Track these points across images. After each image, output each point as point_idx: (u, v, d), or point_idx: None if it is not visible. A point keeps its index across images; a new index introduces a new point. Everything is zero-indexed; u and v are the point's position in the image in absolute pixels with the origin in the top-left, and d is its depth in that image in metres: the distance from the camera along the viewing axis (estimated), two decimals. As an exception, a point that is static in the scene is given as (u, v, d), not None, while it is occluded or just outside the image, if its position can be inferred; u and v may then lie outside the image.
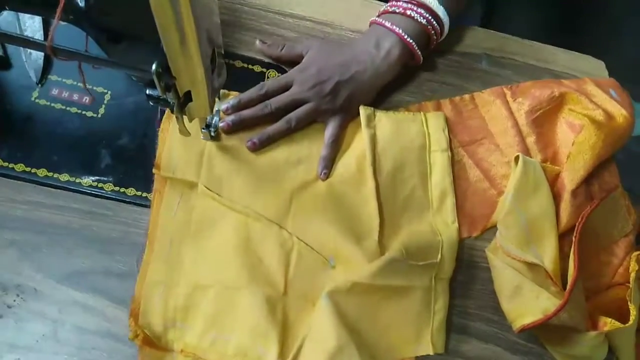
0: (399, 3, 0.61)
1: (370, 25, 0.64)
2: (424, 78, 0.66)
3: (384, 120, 0.60)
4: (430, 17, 0.61)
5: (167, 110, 0.57)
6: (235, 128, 0.57)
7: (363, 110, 0.59)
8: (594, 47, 0.75)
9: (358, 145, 0.59)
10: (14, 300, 0.49)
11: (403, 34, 0.60)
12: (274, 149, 0.57)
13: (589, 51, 0.73)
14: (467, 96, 0.65)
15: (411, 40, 0.60)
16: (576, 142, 0.59)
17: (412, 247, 0.52)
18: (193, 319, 0.49)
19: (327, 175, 0.57)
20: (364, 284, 0.50)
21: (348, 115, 0.60)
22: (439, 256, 0.53)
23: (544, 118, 0.62)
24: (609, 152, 0.60)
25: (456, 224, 0.57)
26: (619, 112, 0.60)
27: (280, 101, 0.58)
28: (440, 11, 0.61)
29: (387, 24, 0.60)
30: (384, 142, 0.58)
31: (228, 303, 0.49)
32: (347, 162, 0.58)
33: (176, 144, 0.55)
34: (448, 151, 0.60)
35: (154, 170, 0.54)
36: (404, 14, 0.60)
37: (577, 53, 0.73)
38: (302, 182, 0.56)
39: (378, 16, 0.63)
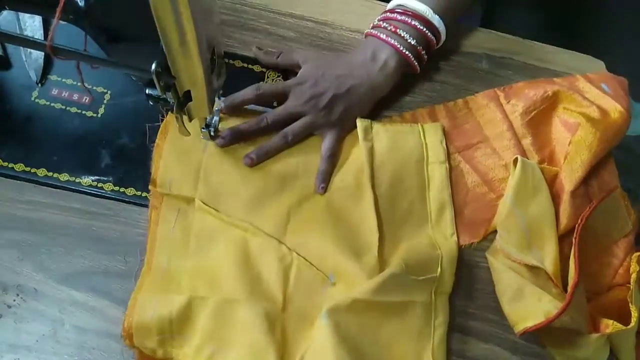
0: (393, 15, 0.61)
1: (365, 37, 0.63)
2: (424, 78, 0.66)
3: (381, 133, 0.59)
4: (424, 29, 0.60)
5: (162, 126, 0.56)
6: (231, 142, 0.57)
7: (360, 123, 0.59)
8: (594, 47, 0.75)
9: (356, 158, 0.58)
10: (14, 300, 0.48)
11: (398, 46, 0.60)
12: (271, 162, 0.57)
13: (589, 51, 0.73)
14: (460, 101, 0.65)
15: (407, 52, 0.60)
16: (573, 142, 0.59)
17: (412, 261, 0.51)
18: (191, 331, 0.48)
19: (325, 190, 0.57)
20: (364, 300, 0.49)
21: (345, 128, 0.59)
22: (439, 270, 0.52)
23: (539, 118, 0.62)
24: (607, 150, 0.60)
25: (455, 237, 0.56)
26: (613, 107, 0.60)
27: (277, 115, 0.58)
28: (436, 20, 0.61)
29: (382, 36, 0.60)
30: (382, 155, 0.58)
31: (226, 316, 0.48)
32: (345, 176, 0.57)
33: (172, 160, 0.55)
34: (446, 163, 0.59)
35: (149, 187, 0.53)
36: (394, 32, 0.60)
37: (577, 53, 0.73)
38: (300, 197, 0.56)
39: (372, 28, 0.63)
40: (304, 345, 0.49)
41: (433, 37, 0.61)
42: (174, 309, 0.47)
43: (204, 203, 0.53)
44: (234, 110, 0.58)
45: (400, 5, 0.62)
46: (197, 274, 0.50)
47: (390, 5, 0.64)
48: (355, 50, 0.62)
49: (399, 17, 0.61)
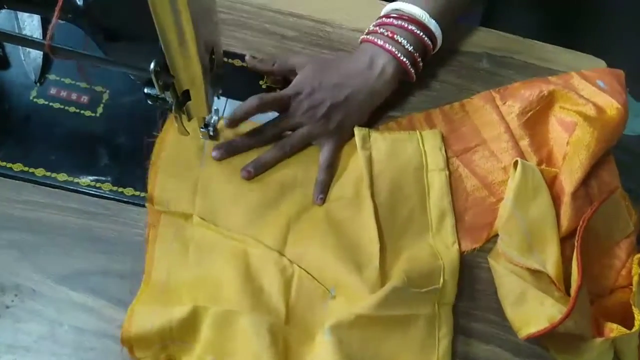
0: (389, 20, 0.60)
1: (361, 43, 0.62)
2: (424, 78, 0.65)
3: (380, 141, 0.58)
4: (421, 34, 0.59)
5: (157, 142, 0.55)
6: (228, 155, 0.56)
7: (358, 132, 0.58)
8: (594, 47, 0.75)
9: (354, 167, 0.58)
10: (12, 301, 0.48)
11: (396, 52, 0.58)
12: (268, 174, 0.56)
13: (590, 50, 0.73)
14: (456, 104, 0.64)
15: (404, 59, 0.59)
16: (571, 143, 0.58)
17: (414, 273, 0.51)
18: (192, 340, 0.47)
19: (323, 201, 0.56)
20: (366, 315, 0.48)
21: (343, 138, 0.59)
22: (441, 281, 0.52)
23: (535, 119, 0.62)
24: (605, 148, 0.59)
25: (456, 246, 0.55)
26: (610, 104, 0.59)
27: (274, 127, 0.57)
28: (432, 25, 0.59)
29: (379, 42, 0.59)
30: (380, 163, 0.57)
31: (228, 327, 0.47)
32: (343, 186, 0.57)
33: (168, 177, 0.54)
34: (445, 170, 0.59)
35: (147, 205, 0.53)
36: (391, 38, 0.59)
37: (578, 52, 0.72)
38: (299, 207, 0.55)
39: (368, 34, 0.61)
40: (306, 359, 0.48)
41: (430, 43, 0.60)
42: (174, 318, 0.46)
43: (202, 219, 0.53)
44: (239, 123, 0.55)
45: (396, 9, 0.60)
46: (198, 287, 0.50)
47: (385, 10, 0.62)
48: (352, 56, 0.61)
49: (395, 22, 0.59)
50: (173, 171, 0.54)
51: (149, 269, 0.50)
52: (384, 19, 0.61)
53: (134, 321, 0.46)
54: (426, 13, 0.59)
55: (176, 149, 0.55)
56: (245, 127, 0.57)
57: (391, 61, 0.59)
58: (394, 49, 0.58)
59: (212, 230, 0.53)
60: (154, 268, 0.51)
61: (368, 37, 0.61)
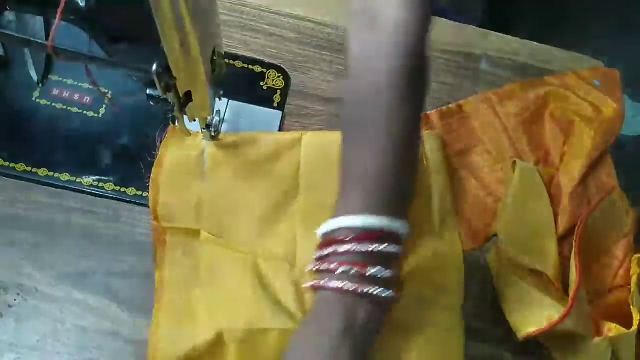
0: (352, 246, 0.38)
1: (317, 292, 0.40)
2: (423, 78, 0.66)
3: None
4: (398, 251, 0.39)
5: (157, 159, 0.54)
6: None
7: None
8: (593, 47, 0.75)
9: None
10: (15, 300, 0.49)
11: (377, 294, 0.38)
12: (269, 182, 0.55)
13: (589, 52, 0.73)
14: (453, 105, 0.64)
15: (387, 297, 0.38)
16: (568, 143, 0.59)
17: (420, 281, 0.51)
18: None
19: None
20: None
21: None
22: (447, 285, 0.52)
23: (532, 119, 0.62)
24: (602, 148, 0.60)
25: (460, 247, 0.55)
26: (606, 104, 0.60)
27: None
28: (403, 229, 0.39)
29: (349, 288, 0.37)
30: None
31: (253, 348, 0.46)
32: None
33: (171, 193, 0.53)
34: (446, 172, 0.59)
35: (152, 222, 0.52)
36: (366, 277, 0.38)
37: (576, 53, 0.73)
38: (304, 216, 0.54)
39: (326, 272, 0.39)
40: None
41: (402, 250, 0.40)
42: (198, 342, 0.46)
43: (209, 234, 0.53)
44: None
45: (352, 227, 0.38)
46: (215, 305, 0.49)
47: (332, 227, 0.39)
48: (314, 326, 0.39)
49: (359, 247, 0.38)
50: (174, 187, 0.54)
51: (160, 290, 0.50)
52: (344, 247, 0.38)
53: (159, 349, 0.46)
54: (386, 216, 0.38)
55: (175, 166, 0.54)
56: (245, 134, 0.57)
57: (375, 309, 0.39)
58: (373, 291, 0.38)
59: (221, 245, 0.52)
60: (165, 290, 0.50)
61: (332, 284, 0.38)
